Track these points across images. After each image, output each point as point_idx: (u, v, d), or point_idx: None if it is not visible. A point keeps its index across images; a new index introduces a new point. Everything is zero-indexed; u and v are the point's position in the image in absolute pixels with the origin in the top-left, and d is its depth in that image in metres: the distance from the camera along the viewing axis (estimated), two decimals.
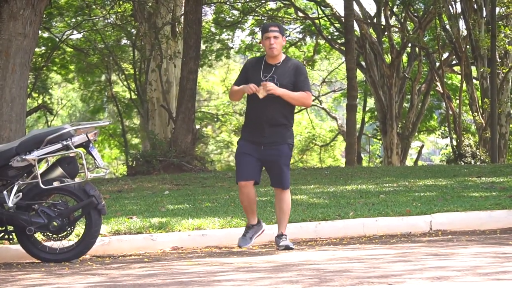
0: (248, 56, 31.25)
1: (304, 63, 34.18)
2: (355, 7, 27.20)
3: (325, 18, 30.99)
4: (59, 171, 7.79)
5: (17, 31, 12.14)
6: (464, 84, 26.45)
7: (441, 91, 28.05)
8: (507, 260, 5.89)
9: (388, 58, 29.64)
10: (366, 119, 36.52)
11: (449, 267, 5.56)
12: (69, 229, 7.79)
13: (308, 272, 5.64)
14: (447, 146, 31.82)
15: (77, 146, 7.71)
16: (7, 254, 8.16)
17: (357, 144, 26.79)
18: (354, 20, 25.44)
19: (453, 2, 26.33)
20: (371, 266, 5.87)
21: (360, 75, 31.55)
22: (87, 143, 7.76)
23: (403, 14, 29.54)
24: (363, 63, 29.56)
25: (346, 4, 23.25)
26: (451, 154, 25.48)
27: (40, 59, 28.52)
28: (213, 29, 31.85)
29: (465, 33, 26.25)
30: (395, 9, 30.00)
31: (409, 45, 29.66)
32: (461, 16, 26.27)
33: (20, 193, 7.67)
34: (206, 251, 8.09)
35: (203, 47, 29.26)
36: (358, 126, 30.60)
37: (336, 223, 8.83)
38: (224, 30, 32.16)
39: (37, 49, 26.58)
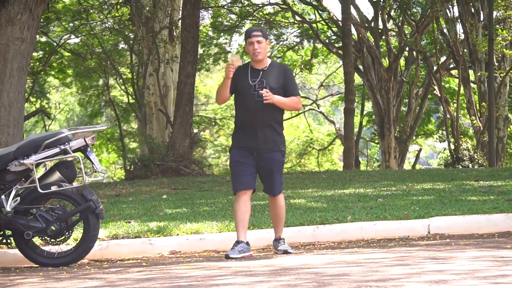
0: (245, 60, 31.17)
1: (302, 67, 34.23)
2: (353, 11, 27.24)
3: (323, 22, 31.02)
4: (57, 175, 7.79)
5: (15, 35, 12.14)
6: (462, 88, 26.46)
7: (439, 95, 28.06)
8: (505, 263, 5.90)
9: (385, 62, 29.66)
10: (364, 123, 36.54)
11: (447, 271, 5.56)
12: (67, 233, 7.79)
13: (306, 276, 5.64)
14: (444, 150, 31.79)
15: (75, 151, 7.71)
16: (5, 259, 8.16)
17: (355, 148, 26.81)
18: (352, 24, 25.46)
19: (450, 6, 26.35)
20: (369, 270, 5.87)
21: (357, 79, 31.59)
22: (85, 148, 7.76)
23: (401, 18, 29.56)
24: (360, 67, 29.58)
25: (344, 8, 23.27)
26: (449, 158, 25.48)
27: (37, 63, 28.53)
28: (210, 33, 31.88)
29: (462, 37, 26.27)
30: (392, 13, 30.02)
31: (407, 49, 29.69)
32: (459, 20, 26.29)
33: (18, 198, 7.67)
34: (204, 255, 8.08)
35: (200, 51, 29.27)
36: (356, 130, 30.59)
37: (334, 227, 8.83)
38: (222, 34, 32.19)
39: (34, 54, 26.59)
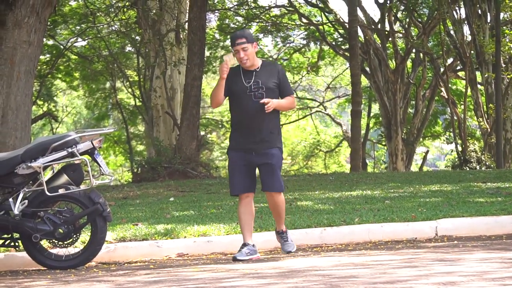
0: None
1: (309, 69, 34.22)
2: (359, 13, 27.24)
3: (329, 24, 31.01)
4: (64, 178, 7.80)
5: (22, 39, 12.17)
6: (469, 90, 26.42)
7: (446, 97, 28.03)
8: None
9: (392, 64, 29.64)
10: (370, 125, 36.52)
11: (455, 273, 5.55)
12: (74, 236, 7.79)
13: (314, 278, 5.63)
14: (452, 151, 31.77)
15: (82, 153, 7.72)
16: (13, 262, 8.17)
17: (362, 150, 26.78)
18: (358, 26, 25.46)
19: (457, 8, 26.31)
20: (377, 272, 5.86)
21: (364, 81, 31.57)
22: (92, 150, 7.77)
23: (407, 20, 29.55)
24: (367, 69, 29.56)
25: (350, 10, 23.27)
26: (456, 159, 25.44)
27: (45, 66, 28.59)
28: (217, 36, 31.90)
29: (469, 38, 26.23)
30: (399, 15, 30.01)
31: (414, 50, 29.67)
32: (466, 22, 26.25)
33: (26, 201, 7.68)
34: (211, 258, 8.09)
35: (207, 53, 29.29)
36: (362, 132, 30.58)
37: (341, 229, 8.82)
38: (228, 36, 32.19)
39: (41, 57, 26.63)
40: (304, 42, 33.32)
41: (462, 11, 26.57)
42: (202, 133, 22.63)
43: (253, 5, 29.56)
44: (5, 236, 7.83)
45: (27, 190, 7.72)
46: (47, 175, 7.85)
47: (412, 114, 31.37)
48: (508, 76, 25.60)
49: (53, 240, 7.76)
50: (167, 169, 18.39)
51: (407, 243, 8.33)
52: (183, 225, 9.18)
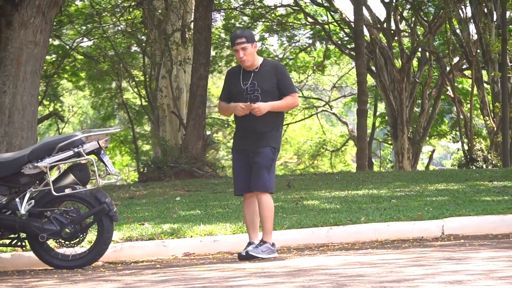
0: None
1: (314, 68, 34.20)
2: (365, 12, 27.22)
3: (335, 24, 31.00)
4: (70, 178, 7.81)
5: (28, 39, 12.18)
6: (475, 88, 26.39)
7: (452, 96, 27.99)
8: None
9: (398, 63, 29.61)
10: (376, 124, 36.48)
11: (462, 272, 5.55)
12: (81, 235, 7.80)
13: (321, 277, 5.63)
14: (458, 150, 31.72)
15: (88, 153, 7.73)
16: (20, 261, 8.18)
17: (368, 149, 26.75)
18: (364, 25, 25.44)
19: (463, 6, 26.28)
20: (384, 271, 5.85)
21: (370, 80, 31.54)
22: (98, 150, 7.78)
23: (413, 19, 29.52)
24: (373, 68, 29.53)
25: (356, 9, 23.26)
26: (463, 158, 25.42)
27: (50, 66, 28.63)
28: (223, 35, 31.89)
29: (475, 37, 26.20)
30: (405, 14, 29.97)
31: (419, 49, 29.63)
32: (472, 20, 26.22)
33: (32, 200, 7.69)
34: (218, 257, 8.09)
35: (213, 53, 29.29)
36: (368, 131, 30.53)
37: (347, 228, 8.81)
38: None
39: (47, 57, 26.66)
40: (310, 41, 33.32)
41: (468, 9, 26.58)
42: (208, 132, 22.62)
43: (258, 4, 29.56)
44: (12, 236, 7.84)
45: (33, 190, 7.73)
46: (53, 175, 7.85)
47: (418, 113, 31.34)
48: None
49: (60, 240, 7.77)
50: (173, 168, 18.40)
51: (414, 242, 8.32)
52: (190, 225, 9.18)
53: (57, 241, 7.81)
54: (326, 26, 30.57)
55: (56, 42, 29.36)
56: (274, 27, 31.18)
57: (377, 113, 36.40)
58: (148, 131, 36.49)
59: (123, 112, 35.78)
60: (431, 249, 7.54)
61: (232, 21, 30.59)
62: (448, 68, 28.95)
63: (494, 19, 25.50)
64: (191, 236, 8.69)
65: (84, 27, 29.47)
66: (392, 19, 29.17)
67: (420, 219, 9.02)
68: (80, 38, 29.31)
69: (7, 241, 7.86)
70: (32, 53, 12.23)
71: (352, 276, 5.61)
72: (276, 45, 37.11)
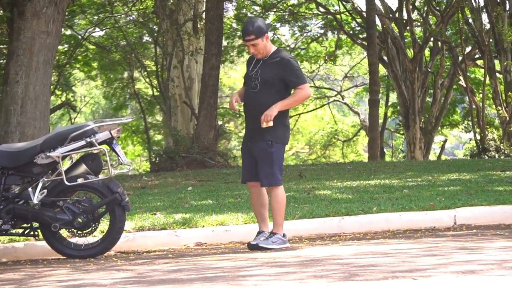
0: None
1: (326, 58, 34.13)
2: (377, 1, 27.11)
3: (347, 13, 30.91)
4: (83, 168, 7.83)
5: (40, 29, 12.21)
6: (488, 78, 26.28)
7: (464, 85, 27.88)
8: None
9: (410, 53, 29.52)
10: (388, 114, 36.38)
11: (474, 261, 5.54)
12: (93, 225, 7.83)
13: (333, 267, 5.63)
14: (470, 140, 31.61)
15: (100, 143, 7.74)
16: (33, 251, 8.22)
17: (379, 139, 26.70)
18: (376, 15, 25.36)
19: None
20: (396, 260, 5.85)
21: (382, 70, 31.44)
22: (110, 140, 7.79)
23: (425, 8, 29.39)
24: (385, 57, 29.45)
25: None
26: (475, 148, 25.33)
27: (63, 56, 28.64)
28: (234, 25, 31.85)
29: (488, 26, 26.07)
30: (417, 3, 29.86)
31: (432, 39, 29.52)
32: (484, 10, 26.09)
33: (45, 190, 7.72)
34: (230, 247, 8.10)
35: (224, 43, 29.26)
36: (380, 121, 30.43)
37: (359, 218, 8.81)
38: None
39: (60, 47, 26.68)
40: (322, 31, 33.23)
41: None
42: (220, 122, 22.66)
43: None
44: (25, 225, 7.87)
45: (46, 179, 7.76)
46: (65, 165, 7.87)
47: (430, 103, 31.24)
48: None
49: (72, 230, 7.79)
50: (185, 158, 18.42)
51: (426, 232, 8.32)
52: (201, 215, 9.20)
53: (70, 230, 7.83)
54: (338, 16, 30.49)
55: (68, 32, 29.36)
56: (286, 17, 31.11)
57: (389, 103, 36.29)
58: (160, 121, 36.50)
59: (135, 102, 35.78)
60: (443, 239, 7.53)
61: (244, 10, 30.54)
62: (460, 58, 28.82)
63: (507, 8, 25.36)
64: (203, 226, 8.70)
65: (96, 17, 29.47)
66: (404, 9, 29.06)
67: (432, 209, 9.01)
68: (92, 28, 29.32)
69: (20, 231, 7.89)
70: (45, 43, 12.26)
71: (364, 266, 5.61)
72: (288, 35, 37.01)
